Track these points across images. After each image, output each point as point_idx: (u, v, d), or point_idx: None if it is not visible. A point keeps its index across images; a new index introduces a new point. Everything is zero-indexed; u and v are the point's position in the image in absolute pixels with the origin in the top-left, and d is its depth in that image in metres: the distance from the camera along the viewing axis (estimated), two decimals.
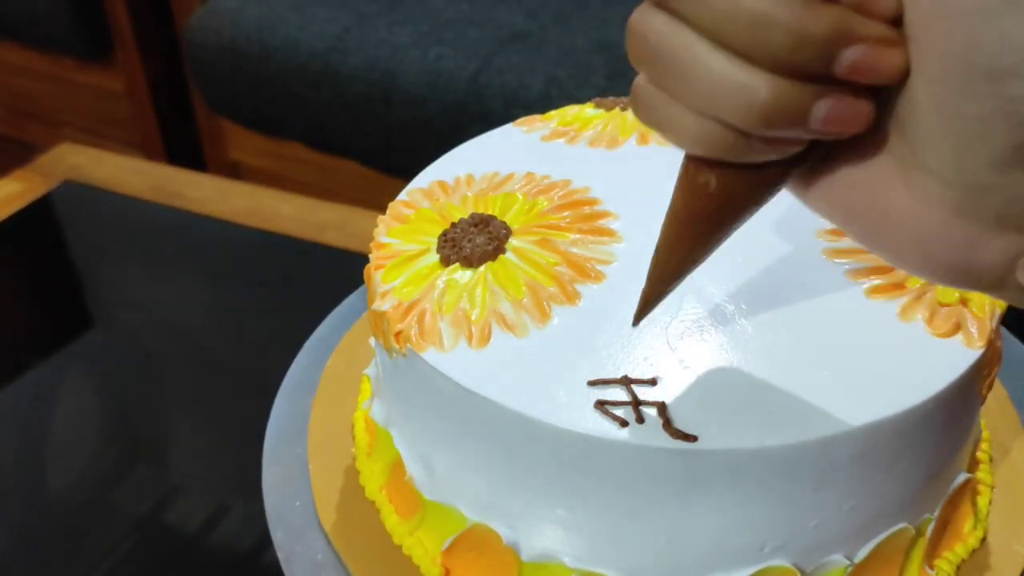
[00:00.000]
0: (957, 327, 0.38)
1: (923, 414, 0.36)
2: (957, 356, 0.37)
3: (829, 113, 0.26)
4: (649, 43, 0.27)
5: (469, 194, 0.45)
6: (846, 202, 0.29)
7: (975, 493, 0.43)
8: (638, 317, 0.35)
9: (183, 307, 0.77)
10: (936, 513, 0.40)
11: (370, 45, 1.15)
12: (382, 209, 0.45)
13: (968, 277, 0.27)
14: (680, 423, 0.34)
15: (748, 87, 0.25)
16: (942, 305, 0.39)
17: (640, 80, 0.28)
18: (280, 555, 0.43)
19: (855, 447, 0.35)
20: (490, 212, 0.43)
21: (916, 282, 0.40)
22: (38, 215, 0.86)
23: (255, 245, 0.81)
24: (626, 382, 0.36)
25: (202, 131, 1.46)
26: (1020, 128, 0.24)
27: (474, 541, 0.39)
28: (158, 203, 0.86)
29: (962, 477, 0.41)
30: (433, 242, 0.42)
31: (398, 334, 0.39)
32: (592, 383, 0.36)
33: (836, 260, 0.41)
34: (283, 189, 0.88)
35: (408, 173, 0.47)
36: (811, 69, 0.25)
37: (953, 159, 0.25)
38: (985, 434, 0.47)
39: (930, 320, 0.39)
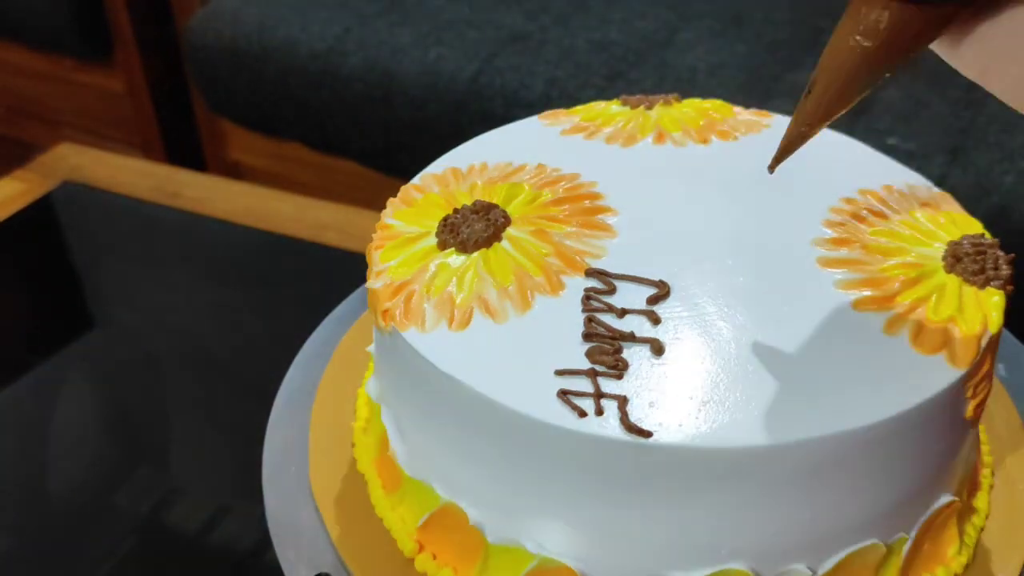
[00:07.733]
0: (943, 345, 0.37)
1: (891, 430, 0.35)
2: (937, 374, 0.36)
3: None
4: None
5: (479, 182, 0.45)
6: (991, 58, 0.29)
7: (962, 518, 0.42)
8: (777, 160, 0.34)
9: (183, 307, 0.77)
10: (912, 533, 0.39)
11: (370, 46, 1.15)
12: (382, 209, 0.45)
13: None
14: (641, 419, 0.34)
15: None
16: (931, 322, 0.38)
17: None
18: (280, 555, 0.43)
19: (813, 458, 0.35)
20: (494, 201, 0.43)
21: (906, 298, 0.39)
22: (38, 215, 0.86)
23: (255, 245, 0.81)
24: (592, 374, 0.36)
25: (202, 131, 1.45)
26: None
27: (444, 519, 0.40)
28: (158, 203, 0.85)
29: (944, 499, 0.40)
30: (434, 226, 0.42)
31: (385, 312, 0.40)
32: (559, 372, 0.36)
33: (828, 269, 0.40)
34: (283, 189, 0.88)
35: (408, 173, 0.47)
36: None
37: None
38: (988, 459, 0.45)
39: (915, 336, 0.38)
